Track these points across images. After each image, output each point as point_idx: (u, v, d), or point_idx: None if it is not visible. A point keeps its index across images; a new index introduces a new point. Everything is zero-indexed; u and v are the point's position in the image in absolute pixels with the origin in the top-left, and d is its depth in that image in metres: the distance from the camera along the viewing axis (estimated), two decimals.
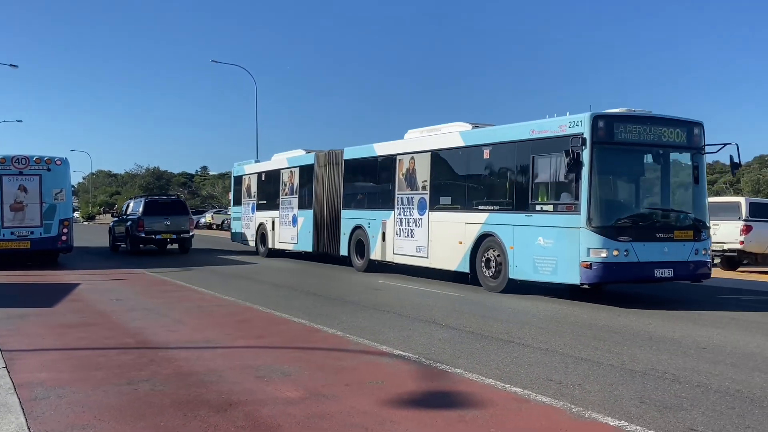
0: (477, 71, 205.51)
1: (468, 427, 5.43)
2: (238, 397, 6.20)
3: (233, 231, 28.92)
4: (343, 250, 20.41)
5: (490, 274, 14.77)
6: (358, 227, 19.73)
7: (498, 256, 14.57)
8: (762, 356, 8.48)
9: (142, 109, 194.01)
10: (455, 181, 16.41)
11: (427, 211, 16.80)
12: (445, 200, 16.44)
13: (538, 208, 13.61)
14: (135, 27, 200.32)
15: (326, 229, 21.38)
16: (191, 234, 27.18)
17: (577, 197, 12.71)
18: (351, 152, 20.43)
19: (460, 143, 15.88)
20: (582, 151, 12.53)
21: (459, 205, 15.96)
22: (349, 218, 20.17)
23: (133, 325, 10.37)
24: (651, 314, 11.84)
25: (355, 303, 12.99)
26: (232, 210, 29.53)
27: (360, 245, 19.71)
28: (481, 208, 15.18)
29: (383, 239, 18.48)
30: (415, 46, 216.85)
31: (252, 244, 26.84)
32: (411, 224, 17.37)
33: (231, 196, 29.69)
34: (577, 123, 12.77)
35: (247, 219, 27.20)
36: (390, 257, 18.23)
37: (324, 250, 21.64)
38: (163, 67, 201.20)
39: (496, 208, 14.76)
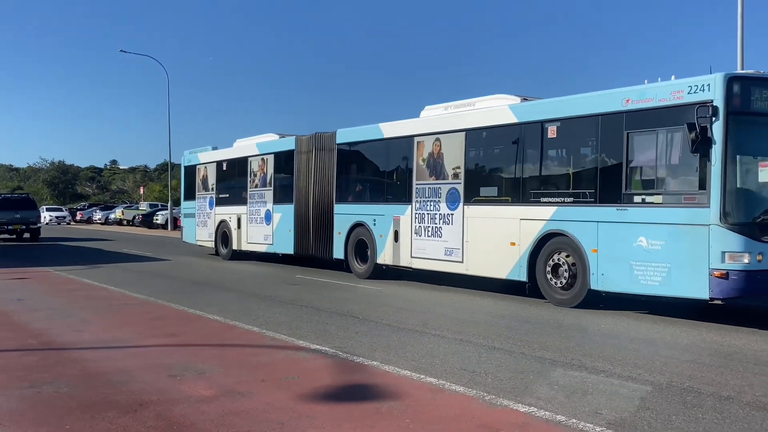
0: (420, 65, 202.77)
1: (383, 418, 5.44)
2: (149, 397, 6.04)
3: (184, 230, 25.00)
4: (337, 253, 16.99)
5: (561, 284, 11.68)
6: (358, 225, 16.34)
7: (572, 261, 11.49)
8: (663, 341, 8.82)
9: (46, 100, 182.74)
10: (503, 168, 13.25)
11: (461, 204, 13.57)
12: (489, 191, 13.26)
13: (637, 199, 10.58)
14: (36, 13, 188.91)
15: (313, 227, 17.91)
16: (39, 225, 34.07)
17: (703, 185, 9.71)
18: (347, 135, 17.01)
19: (512, 119, 12.70)
20: (712, 124, 9.54)
21: (509, 197, 12.80)
22: (345, 214, 16.76)
23: (36, 325, 9.93)
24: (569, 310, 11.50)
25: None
26: (183, 206, 25.54)
27: (361, 246, 16.34)
28: (544, 200, 12.06)
29: (395, 239, 15.16)
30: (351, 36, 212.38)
31: (209, 244, 23.08)
32: (437, 221, 14.11)
33: (181, 189, 25.73)
34: (702, 87, 9.76)
35: (203, 216, 23.38)
36: (406, 261, 14.94)
37: (309, 252, 18.16)
38: (70, 56, 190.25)
39: (569, 200, 11.66)
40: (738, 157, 9.75)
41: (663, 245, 10.13)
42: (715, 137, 9.54)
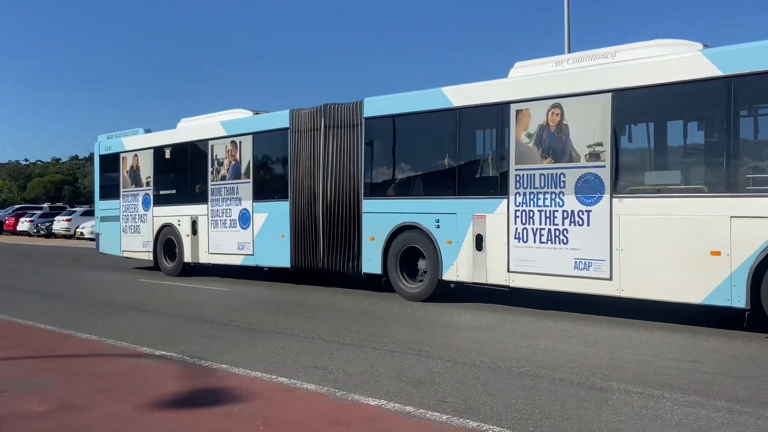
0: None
1: (233, 422, 5.30)
2: None
3: (102, 238, 19.33)
4: (370, 265, 12.50)
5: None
6: (406, 227, 11.93)
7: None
8: (502, 328, 9.17)
9: None
10: (696, 143, 9.38)
11: (607, 196, 9.53)
12: (664, 177, 9.36)
13: None
14: None
15: (324, 231, 13.23)
16: None
17: None
18: (382, 105, 12.51)
19: (712, 71, 8.71)
20: None
21: (707, 186, 8.89)
22: (382, 213, 12.32)
23: None
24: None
25: None
26: (98, 206, 19.78)
27: (410, 257, 11.96)
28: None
29: (478, 246, 10.91)
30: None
31: (144, 256, 17.71)
32: (559, 220, 10.01)
33: (96, 185, 19.95)
34: None
35: (133, 219, 17.95)
36: (499, 277, 10.73)
37: (318, 266, 13.46)
38: None
39: None
40: None
41: None
42: None
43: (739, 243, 8.34)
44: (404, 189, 12.29)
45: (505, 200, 10.60)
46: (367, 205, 12.51)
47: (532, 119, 10.33)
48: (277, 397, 5.93)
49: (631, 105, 9.47)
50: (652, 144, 9.76)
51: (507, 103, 10.63)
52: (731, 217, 8.42)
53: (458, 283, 11.36)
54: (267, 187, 14.72)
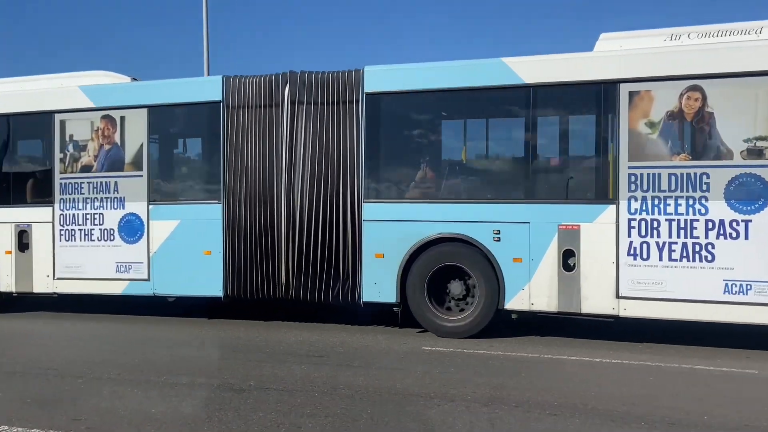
0: None
1: None
2: None
3: None
4: (374, 293, 9.23)
5: None
6: (443, 240, 8.95)
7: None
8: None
9: None
10: None
11: None
12: None
13: None
14: None
15: (292, 247, 9.53)
16: None
17: None
18: (395, 77, 9.32)
19: None
20: None
21: None
22: (396, 221, 9.18)
23: None
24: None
25: None
26: None
27: (440, 280, 9.02)
28: None
29: (565, 266, 8.44)
30: None
31: None
32: (695, 232, 8.00)
33: None
34: None
35: None
36: (605, 305, 8.35)
37: (281, 294, 9.68)
38: None
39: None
40: None
41: None
42: None
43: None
44: (438, 190, 9.26)
45: (613, 206, 8.26)
46: (371, 210, 9.22)
47: (654, 104, 8.18)
48: None
49: None
50: None
51: (614, 83, 8.33)
52: None
53: (529, 313, 8.69)
54: (176, 185, 10.45)
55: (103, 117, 10.57)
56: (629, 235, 8.19)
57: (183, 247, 10.07)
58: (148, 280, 10.28)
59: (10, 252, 10.97)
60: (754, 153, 7.81)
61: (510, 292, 8.62)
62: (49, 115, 10.88)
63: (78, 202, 10.66)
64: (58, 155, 10.81)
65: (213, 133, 10.02)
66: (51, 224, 10.78)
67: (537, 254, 8.51)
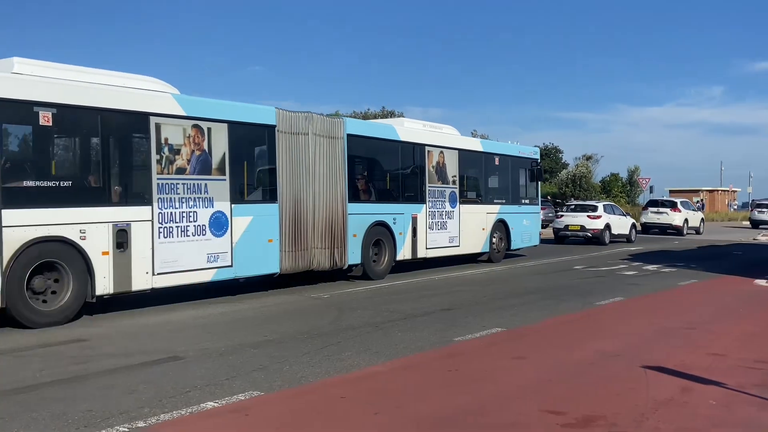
0: None
1: None
2: None
3: None
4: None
5: None
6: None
7: None
8: None
9: None
10: None
11: None
12: None
13: None
14: None
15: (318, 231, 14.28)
16: None
17: None
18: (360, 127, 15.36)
19: None
20: None
21: None
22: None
23: None
24: None
25: None
26: None
27: None
28: None
29: None
30: None
31: None
32: None
33: None
34: None
35: None
36: None
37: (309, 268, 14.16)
38: None
39: None
40: None
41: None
42: None
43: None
44: None
45: None
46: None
47: None
48: None
49: None
50: None
51: None
52: None
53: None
54: (250, 188, 12.84)
55: (194, 126, 11.99)
56: None
57: (255, 237, 12.95)
58: (231, 266, 12.59)
59: (107, 252, 10.72)
60: None
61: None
62: (144, 116, 11.27)
63: (174, 201, 11.64)
64: (155, 156, 11.39)
65: (269, 148, 13.32)
66: (150, 222, 11.31)
67: None
